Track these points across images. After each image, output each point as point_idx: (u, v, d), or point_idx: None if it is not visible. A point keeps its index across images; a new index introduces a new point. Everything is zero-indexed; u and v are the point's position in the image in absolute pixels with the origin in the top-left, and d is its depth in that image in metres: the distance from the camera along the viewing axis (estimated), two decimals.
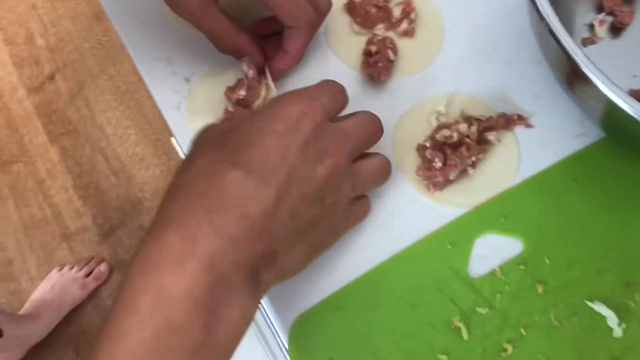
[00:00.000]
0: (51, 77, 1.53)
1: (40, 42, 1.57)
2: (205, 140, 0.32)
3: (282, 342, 0.38)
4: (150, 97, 1.51)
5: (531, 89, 0.43)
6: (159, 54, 0.44)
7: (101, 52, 1.55)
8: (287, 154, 0.30)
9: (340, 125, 0.34)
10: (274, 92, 0.41)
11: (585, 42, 0.45)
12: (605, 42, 0.45)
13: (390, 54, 0.42)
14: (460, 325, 0.36)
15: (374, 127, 0.36)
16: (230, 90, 0.41)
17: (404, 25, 0.44)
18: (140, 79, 0.45)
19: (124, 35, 0.45)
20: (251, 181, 0.29)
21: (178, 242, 0.27)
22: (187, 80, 0.44)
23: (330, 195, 0.33)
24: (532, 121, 0.42)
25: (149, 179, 1.42)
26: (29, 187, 1.41)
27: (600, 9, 0.46)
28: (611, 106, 0.33)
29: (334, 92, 0.35)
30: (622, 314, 0.37)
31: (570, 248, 0.38)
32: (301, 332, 0.37)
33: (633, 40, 0.45)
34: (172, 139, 1.00)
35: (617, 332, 0.36)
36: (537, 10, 0.34)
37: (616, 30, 0.45)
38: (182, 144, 0.42)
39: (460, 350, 0.36)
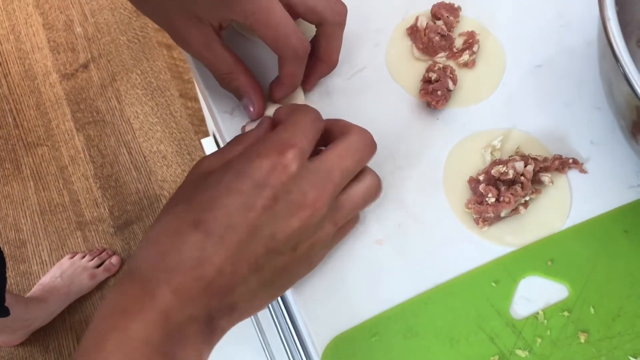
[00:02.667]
0: (85, 66, 1.54)
1: (78, 30, 1.58)
2: (187, 184, 0.34)
3: None
4: (180, 96, 1.52)
5: (588, 134, 0.43)
6: None
7: (137, 46, 1.56)
8: (250, 214, 0.30)
9: (322, 161, 0.33)
10: (301, 101, 0.41)
11: None
12: None
13: (450, 83, 0.42)
14: None
15: (362, 152, 0.34)
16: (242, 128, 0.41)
17: (465, 57, 0.44)
18: (196, 81, 0.45)
19: None
20: (209, 243, 0.30)
21: (139, 296, 0.30)
22: None
23: (304, 243, 0.33)
24: (586, 167, 0.41)
25: (170, 177, 1.42)
26: (50, 171, 1.42)
27: None
28: None
29: (310, 123, 0.34)
30: None
31: (616, 300, 0.37)
32: (335, 354, 0.36)
33: None
34: (203, 140, 1.00)
35: None
36: (614, 54, 0.33)
37: None
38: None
39: None
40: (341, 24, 0.39)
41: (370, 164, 0.36)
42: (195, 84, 0.92)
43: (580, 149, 0.42)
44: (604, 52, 0.37)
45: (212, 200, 0.31)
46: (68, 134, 1.46)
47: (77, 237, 1.36)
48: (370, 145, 0.35)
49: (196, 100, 1.50)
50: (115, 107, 1.49)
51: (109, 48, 1.56)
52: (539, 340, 0.36)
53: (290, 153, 0.31)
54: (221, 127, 0.42)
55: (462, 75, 0.44)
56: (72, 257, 1.30)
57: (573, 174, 0.41)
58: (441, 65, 0.43)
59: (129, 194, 1.40)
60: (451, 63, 0.44)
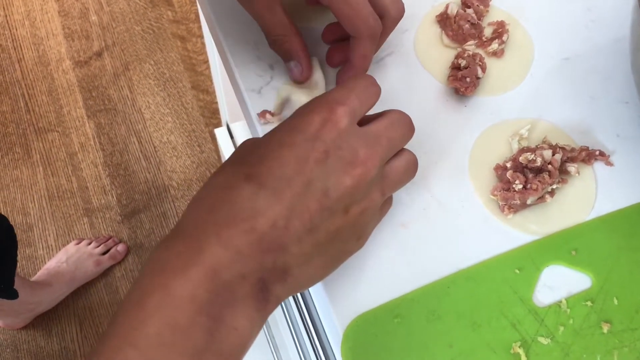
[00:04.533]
0: (99, 54, 1.54)
1: (93, 18, 1.58)
2: (235, 153, 0.33)
3: (327, 342, 0.37)
4: (192, 88, 1.52)
5: (615, 127, 0.43)
6: (248, 37, 0.44)
7: (151, 37, 1.57)
8: (304, 166, 0.30)
9: (371, 128, 0.33)
10: (321, 89, 0.41)
11: None
12: None
13: (479, 70, 0.42)
14: (520, 351, 0.35)
15: (405, 128, 0.35)
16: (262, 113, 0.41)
17: (495, 46, 0.44)
18: (225, 58, 0.45)
19: (212, 12, 0.45)
20: (262, 195, 0.29)
21: (184, 251, 0.28)
22: (272, 67, 0.43)
23: (356, 205, 0.32)
24: (612, 159, 0.41)
25: (179, 168, 1.42)
26: (60, 157, 1.42)
27: None
28: None
29: (364, 88, 0.34)
30: None
31: (638, 294, 0.37)
32: (357, 333, 0.36)
33: None
34: (216, 130, 1.00)
35: None
36: None
37: None
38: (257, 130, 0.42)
39: None
40: (398, 20, 0.39)
41: None
42: (215, 71, 0.92)
43: (606, 141, 0.42)
44: (639, 44, 0.37)
45: (264, 154, 0.31)
46: (79, 121, 1.46)
47: (84, 224, 1.36)
48: (410, 124, 0.35)
49: (208, 92, 1.51)
50: (127, 96, 1.49)
51: (123, 37, 1.56)
52: (562, 328, 0.36)
53: (340, 110, 0.31)
54: (248, 105, 0.42)
55: (491, 64, 0.44)
56: (78, 243, 1.30)
57: (599, 166, 0.41)
58: (470, 53, 0.43)
59: (137, 183, 1.41)
60: (480, 51, 0.44)
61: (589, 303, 0.37)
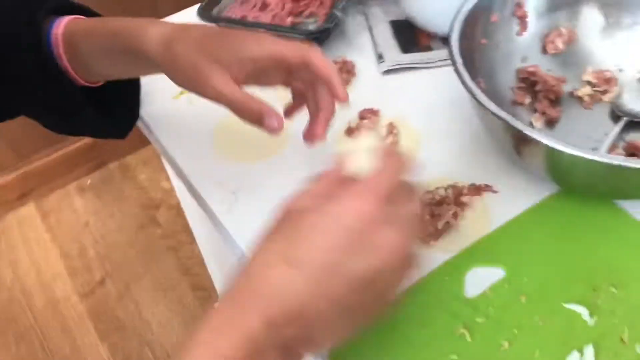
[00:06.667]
0: (101, 282, 1.68)
1: (91, 252, 1.76)
2: (276, 226, 0.38)
3: None
4: (191, 290, 1.64)
5: (492, 165, 0.57)
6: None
7: (145, 255, 1.73)
8: (330, 251, 0.34)
9: (396, 213, 0.36)
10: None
11: None
12: (544, 132, 0.60)
13: None
14: (464, 331, 0.46)
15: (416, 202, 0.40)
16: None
17: (390, 138, 0.60)
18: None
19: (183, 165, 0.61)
20: (293, 276, 0.34)
21: (230, 316, 0.34)
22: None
23: (383, 283, 0.35)
24: (497, 187, 0.55)
25: None
26: None
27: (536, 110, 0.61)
28: (551, 153, 0.46)
29: (396, 170, 0.38)
30: (593, 309, 0.46)
31: (542, 271, 0.49)
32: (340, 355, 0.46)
33: (564, 130, 0.60)
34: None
35: (591, 322, 0.45)
36: (492, 113, 0.49)
37: (551, 123, 0.61)
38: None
39: (467, 350, 0.45)
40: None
41: None
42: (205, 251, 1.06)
43: (489, 176, 0.56)
44: (479, 112, 0.53)
45: (299, 237, 0.35)
46: (92, 347, 1.55)
47: None
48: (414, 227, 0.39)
49: (205, 288, 1.63)
50: (134, 311, 1.61)
51: (121, 261, 1.72)
52: (491, 308, 0.47)
53: (374, 199, 0.35)
54: (223, 223, 0.56)
55: None
56: None
57: (489, 194, 0.55)
58: None
59: None
60: None
61: (506, 285, 0.48)
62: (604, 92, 0.62)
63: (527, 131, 0.46)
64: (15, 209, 1.89)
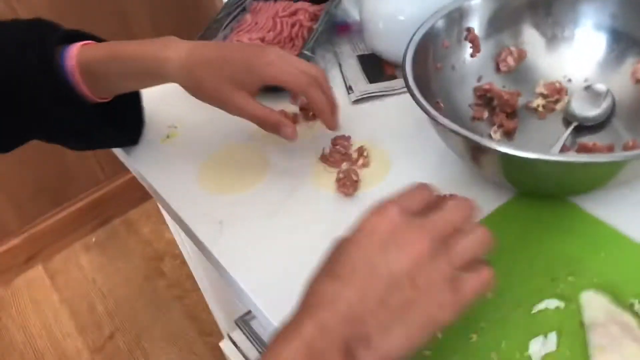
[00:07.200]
0: (111, 337, 1.71)
1: (100, 308, 1.78)
2: (326, 255, 0.42)
3: None
4: (199, 336, 1.66)
5: (458, 175, 0.61)
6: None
7: (153, 306, 1.76)
8: (365, 258, 0.39)
9: (423, 219, 0.40)
10: None
11: None
12: (503, 143, 0.65)
13: (353, 176, 0.62)
14: None
15: (462, 210, 0.42)
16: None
17: (360, 161, 0.65)
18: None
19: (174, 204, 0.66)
20: (337, 284, 0.38)
21: (291, 328, 0.38)
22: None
23: (421, 278, 0.38)
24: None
25: None
26: None
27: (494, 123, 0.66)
28: (503, 158, 0.50)
29: (416, 191, 0.43)
30: (553, 298, 0.49)
31: (507, 264, 0.52)
32: None
33: (521, 140, 0.64)
34: (220, 343, 1.14)
35: (552, 310, 0.49)
36: (445, 127, 0.53)
37: (509, 134, 0.65)
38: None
39: (438, 345, 0.48)
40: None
41: None
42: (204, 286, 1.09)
43: (453, 186, 0.60)
44: (437, 129, 0.57)
45: (339, 254, 0.40)
46: None
47: None
48: (467, 207, 0.43)
49: (212, 334, 1.65)
50: None
51: (129, 315, 1.75)
52: None
53: (393, 210, 0.40)
54: (210, 250, 0.60)
55: (363, 172, 0.64)
56: None
57: None
58: (344, 169, 0.63)
59: None
60: (354, 167, 0.65)
61: None
62: (556, 102, 0.66)
63: (477, 139, 0.51)
64: (24, 272, 1.93)
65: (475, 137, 0.51)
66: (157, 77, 0.61)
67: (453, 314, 0.39)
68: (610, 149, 0.60)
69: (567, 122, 0.65)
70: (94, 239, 2.01)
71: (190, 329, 1.68)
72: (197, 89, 0.60)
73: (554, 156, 0.50)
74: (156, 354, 1.64)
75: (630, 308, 0.47)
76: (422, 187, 0.43)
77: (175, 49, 0.59)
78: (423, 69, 0.61)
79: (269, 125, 0.60)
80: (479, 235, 0.41)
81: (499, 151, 0.50)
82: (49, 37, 0.61)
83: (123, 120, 0.69)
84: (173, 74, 0.59)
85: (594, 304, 0.47)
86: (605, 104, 0.63)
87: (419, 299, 0.38)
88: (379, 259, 0.38)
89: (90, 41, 0.64)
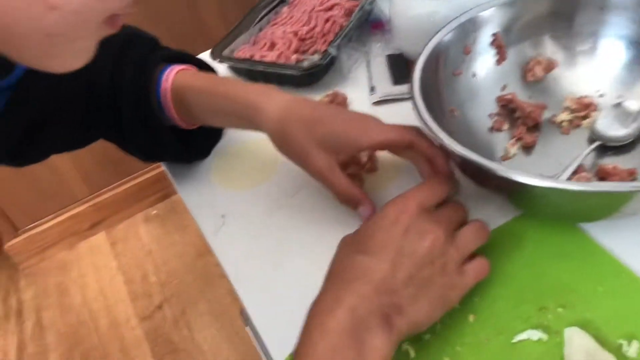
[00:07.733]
0: (159, 306, 1.78)
1: (152, 278, 1.86)
2: (344, 240, 0.49)
3: None
4: (240, 315, 1.70)
5: (465, 189, 0.59)
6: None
7: (201, 282, 1.82)
8: (393, 239, 0.45)
9: (434, 214, 0.48)
10: None
11: (502, 159, 0.61)
12: (519, 158, 0.61)
13: (357, 180, 0.61)
14: (408, 347, 0.48)
15: (461, 212, 0.51)
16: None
17: (368, 164, 0.63)
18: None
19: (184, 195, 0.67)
20: (371, 260, 0.45)
21: (330, 300, 0.44)
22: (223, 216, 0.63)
23: (438, 259, 0.45)
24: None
25: None
26: None
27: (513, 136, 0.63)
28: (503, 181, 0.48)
29: (432, 188, 0.50)
30: (538, 329, 0.47)
31: (495, 289, 0.50)
32: None
33: (539, 156, 0.61)
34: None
35: (535, 341, 0.46)
36: (460, 155, 0.52)
37: (527, 149, 0.62)
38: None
39: None
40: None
41: None
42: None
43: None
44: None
45: (366, 236, 0.47)
46: None
47: None
48: (463, 212, 0.51)
49: None
50: (187, 335, 1.69)
51: (178, 288, 1.82)
52: (438, 325, 0.48)
53: (411, 204, 0.47)
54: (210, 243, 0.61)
55: (369, 177, 0.63)
56: None
57: None
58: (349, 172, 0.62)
59: None
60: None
61: (457, 305, 0.50)
62: (584, 117, 0.62)
63: (475, 157, 0.48)
64: (87, 238, 2.05)
65: (473, 155, 0.48)
66: (249, 123, 0.59)
67: (459, 296, 0.47)
68: (631, 173, 0.55)
69: (592, 140, 0.60)
70: (154, 212, 2.10)
71: (233, 307, 1.72)
72: (283, 143, 0.57)
73: (549, 182, 0.46)
74: (199, 328, 1.70)
75: (617, 350, 0.44)
76: (439, 183, 0.51)
77: (274, 101, 0.57)
78: (436, 75, 0.59)
79: (348, 200, 0.57)
80: (478, 228, 0.50)
81: (496, 174, 0.47)
82: (151, 56, 0.62)
83: (195, 143, 0.69)
84: (266, 125, 0.57)
85: (575, 342, 0.45)
86: (635, 125, 0.59)
87: (437, 278, 0.45)
88: (404, 242, 0.45)
89: (189, 65, 0.65)
